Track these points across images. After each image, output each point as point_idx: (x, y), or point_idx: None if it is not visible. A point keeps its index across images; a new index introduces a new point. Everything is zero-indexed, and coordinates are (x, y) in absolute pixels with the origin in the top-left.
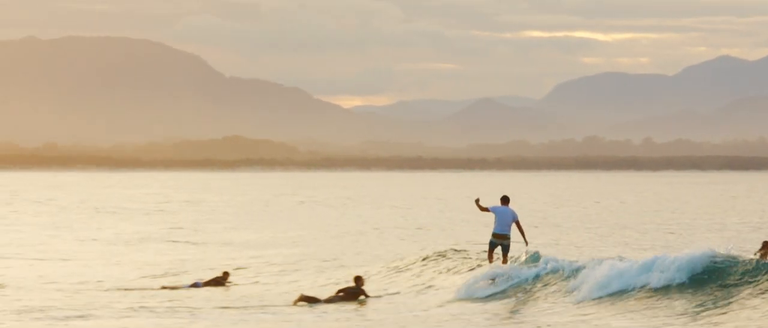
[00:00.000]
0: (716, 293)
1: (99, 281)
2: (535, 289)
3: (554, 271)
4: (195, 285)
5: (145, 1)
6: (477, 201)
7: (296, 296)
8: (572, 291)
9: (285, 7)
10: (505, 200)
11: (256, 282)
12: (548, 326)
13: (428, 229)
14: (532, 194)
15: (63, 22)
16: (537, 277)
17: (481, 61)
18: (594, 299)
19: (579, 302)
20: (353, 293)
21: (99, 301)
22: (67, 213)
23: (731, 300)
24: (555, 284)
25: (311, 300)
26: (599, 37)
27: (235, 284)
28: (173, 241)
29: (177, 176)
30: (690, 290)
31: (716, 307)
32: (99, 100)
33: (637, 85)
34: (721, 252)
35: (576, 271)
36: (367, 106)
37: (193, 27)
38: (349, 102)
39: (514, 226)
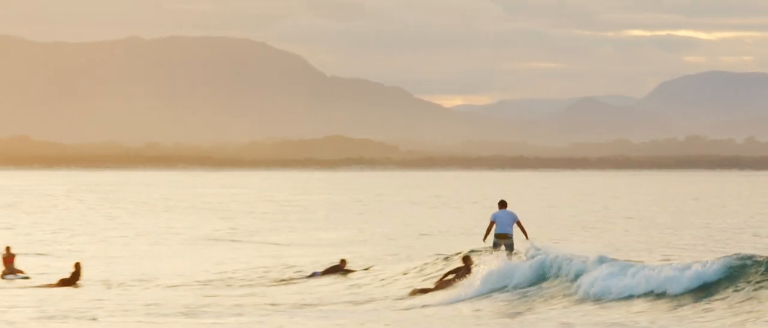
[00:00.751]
0: (722, 299)
1: (205, 279)
2: (534, 287)
3: (556, 270)
4: (314, 274)
5: (247, 0)
6: (484, 239)
7: (409, 290)
8: (574, 292)
9: (386, 7)
10: (502, 204)
11: (369, 268)
12: (545, 324)
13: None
14: (632, 194)
15: (165, 22)
16: (538, 276)
17: (583, 60)
18: (594, 300)
19: (579, 302)
20: (465, 273)
21: (205, 298)
22: (169, 212)
23: (740, 308)
24: (556, 282)
25: (424, 291)
26: (702, 35)
27: (352, 271)
28: (274, 238)
29: (277, 175)
30: (694, 295)
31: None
32: (200, 100)
33: (740, 84)
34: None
35: (579, 271)
36: (468, 105)
37: (295, 26)
38: (449, 101)
39: (516, 226)
